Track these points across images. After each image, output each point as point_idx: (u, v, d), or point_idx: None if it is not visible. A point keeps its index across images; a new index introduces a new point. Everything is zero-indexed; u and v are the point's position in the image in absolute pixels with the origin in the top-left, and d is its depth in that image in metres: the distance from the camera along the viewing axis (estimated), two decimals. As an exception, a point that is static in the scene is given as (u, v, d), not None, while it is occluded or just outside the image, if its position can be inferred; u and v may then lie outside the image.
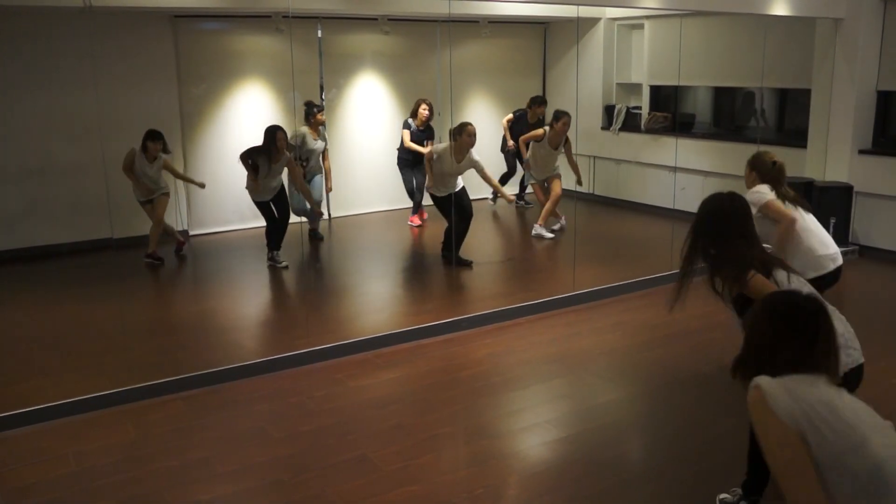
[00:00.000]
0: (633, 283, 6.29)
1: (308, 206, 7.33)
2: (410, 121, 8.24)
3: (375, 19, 8.55)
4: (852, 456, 1.74)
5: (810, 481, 1.75)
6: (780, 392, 1.85)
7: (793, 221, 3.93)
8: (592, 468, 3.57)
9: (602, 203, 9.69)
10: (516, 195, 9.35)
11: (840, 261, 4.07)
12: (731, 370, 2.16)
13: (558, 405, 4.29)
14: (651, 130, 9.22)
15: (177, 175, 7.34)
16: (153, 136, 6.89)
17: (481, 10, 8.23)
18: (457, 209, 6.66)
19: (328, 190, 7.97)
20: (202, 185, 7.42)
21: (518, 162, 8.92)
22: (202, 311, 5.97)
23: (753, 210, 3.49)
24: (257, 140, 6.73)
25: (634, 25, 9.52)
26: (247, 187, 6.83)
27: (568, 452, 3.74)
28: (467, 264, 6.83)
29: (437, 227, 7.22)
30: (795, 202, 4.06)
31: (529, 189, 8.77)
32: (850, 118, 7.25)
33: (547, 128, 7.85)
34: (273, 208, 6.92)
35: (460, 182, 6.89)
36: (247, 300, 6.41)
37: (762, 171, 4.11)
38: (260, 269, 6.98)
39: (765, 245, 3.26)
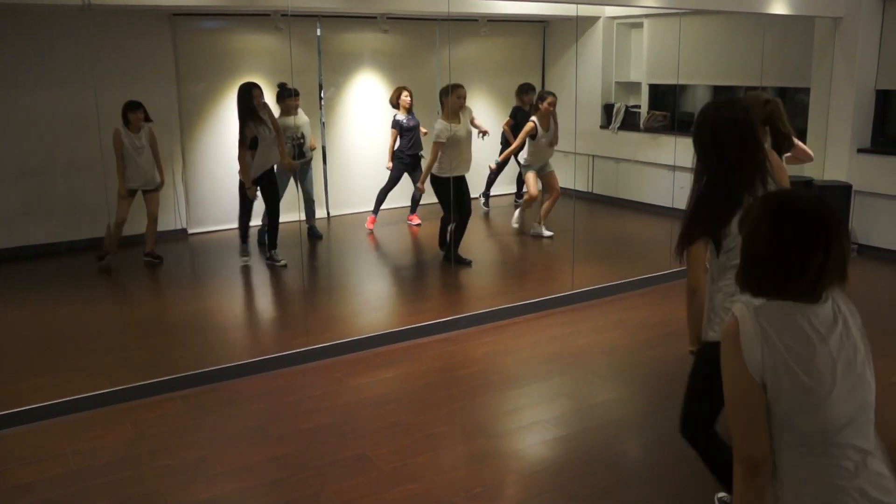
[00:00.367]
0: (632, 281, 6.28)
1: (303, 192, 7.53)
2: (399, 116, 8.02)
3: (375, 18, 8.53)
4: (802, 417, 1.71)
5: (757, 429, 1.73)
6: (753, 332, 1.73)
7: None
8: (591, 467, 3.56)
9: (601, 202, 9.68)
10: (515, 194, 9.35)
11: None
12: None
13: (557, 404, 4.28)
14: (650, 129, 9.21)
15: (156, 153, 6.97)
16: (132, 107, 6.72)
17: (480, 9, 8.21)
18: (456, 203, 6.64)
19: (312, 148, 7.85)
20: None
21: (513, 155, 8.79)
22: (200, 309, 5.96)
23: None
24: None
25: (634, 24, 9.51)
26: (242, 171, 6.59)
27: (567, 451, 3.73)
28: (467, 263, 6.83)
29: (436, 227, 7.20)
30: (787, 139, 3.96)
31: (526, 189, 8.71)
32: (848, 117, 7.25)
33: (534, 118, 7.64)
34: (263, 195, 6.78)
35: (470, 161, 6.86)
36: (245, 299, 6.40)
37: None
38: (258, 268, 6.98)
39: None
